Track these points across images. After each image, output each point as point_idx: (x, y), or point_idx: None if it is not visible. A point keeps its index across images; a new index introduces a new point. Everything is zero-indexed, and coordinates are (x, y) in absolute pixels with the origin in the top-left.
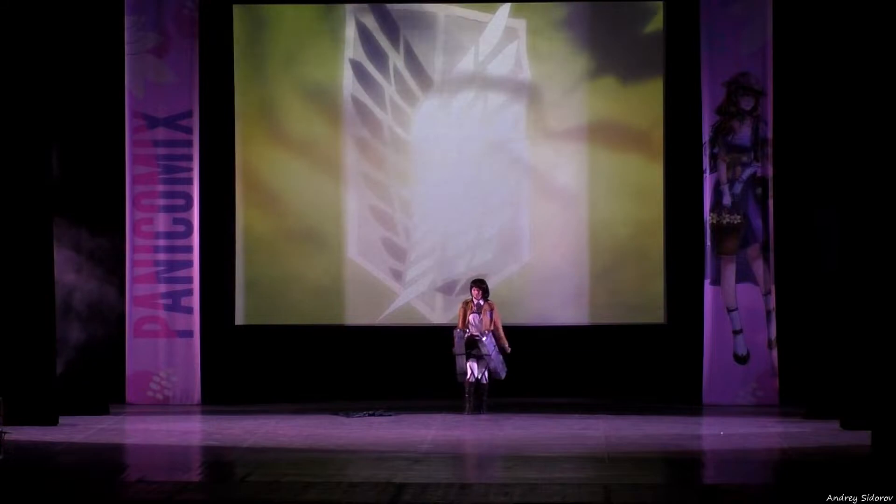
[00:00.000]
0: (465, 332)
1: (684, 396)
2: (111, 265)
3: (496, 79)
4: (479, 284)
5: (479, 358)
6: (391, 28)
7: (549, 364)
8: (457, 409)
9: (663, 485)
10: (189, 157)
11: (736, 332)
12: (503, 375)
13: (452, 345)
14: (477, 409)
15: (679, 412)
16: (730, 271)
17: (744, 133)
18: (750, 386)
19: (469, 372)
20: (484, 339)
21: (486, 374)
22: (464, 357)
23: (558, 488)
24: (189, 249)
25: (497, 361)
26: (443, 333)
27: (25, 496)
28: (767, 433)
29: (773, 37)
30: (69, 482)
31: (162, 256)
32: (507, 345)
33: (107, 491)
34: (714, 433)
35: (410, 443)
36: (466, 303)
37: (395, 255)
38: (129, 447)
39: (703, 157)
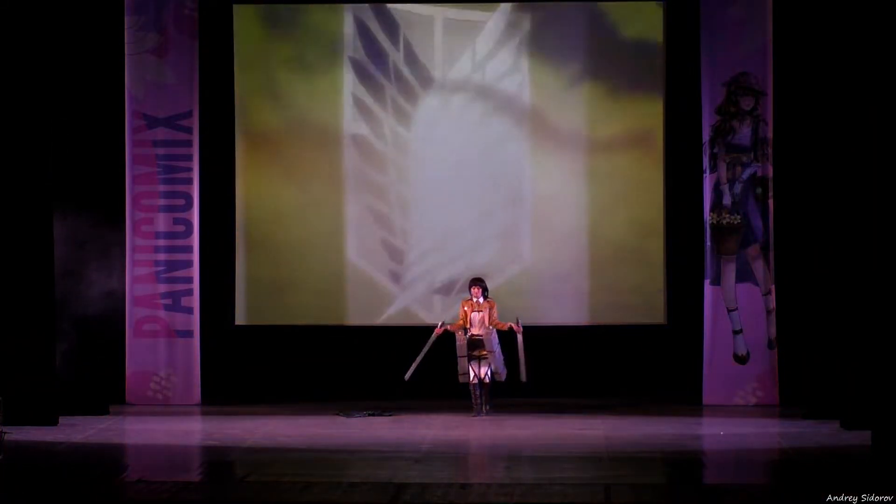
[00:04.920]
0: (467, 332)
1: (684, 396)
2: (111, 265)
3: (496, 78)
4: (479, 283)
5: (482, 358)
6: (391, 27)
7: (549, 364)
8: (457, 409)
9: (663, 485)
10: (189, 157)
11: (736, 332)
12: (504, 376)
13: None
14: (480, 410)
15: (679, 412)
16: (730, 271)
17: (744, 133)
18: (750, 386)
19: (472, 374)
20: (488, 337)
21: (489, 373)
22: (465, 359)
23: (558, 488)
24: (189, 249)
25: (499, 361)
26: (443, 333)
27: (25, 496)
28: (767, 433)
29: (773, 37)
30: (69, 482)
31: (162, 256)
32: (514, 327)
33: (107, 491)
34: (714, 433)
35: (410, 443)
36: (467, 301)
37: (393, 256)
38: (129, 447)
39: (703, 157)
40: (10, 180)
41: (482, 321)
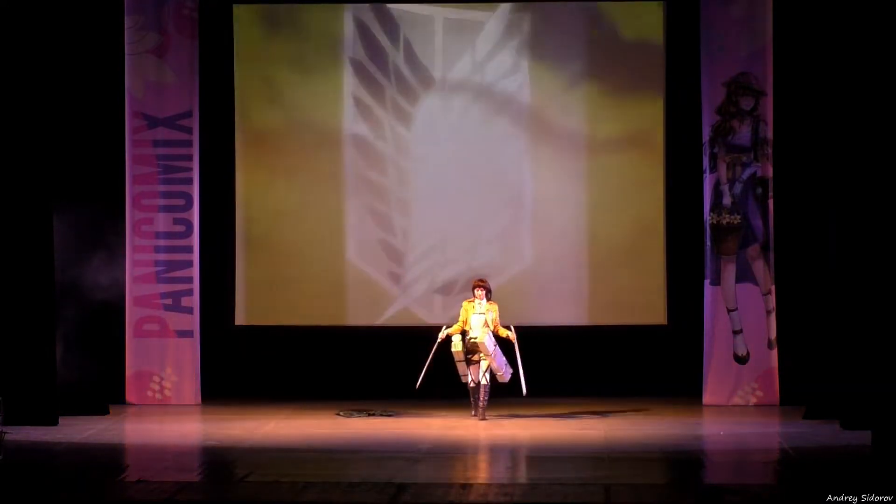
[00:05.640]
0: (465, 335)
1: (684, 396)
2: (111, 265)
3: (496, 78)
4: (482, 285)
5: (479, 362)
6: (391, 28)
7: (549, 364)
8: (457, 409)
9: (663, 485)
10: (189, 157)
11: (736, 332)
12: (507, 377)
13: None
14: (478, 412)
15: (679, 412)
16: (730, 271)
17: (744, 133)
18: (750, 386)
19: (470, 377)
20: (484, 340)
21: (488, 376)
22: (463, 363)
23: (558, 488)
24: (189, 249)
25: (500, 362)
26: (446, 338)
27: (25, 496)
28: (767, 433)
29: (773, 37)
30: (69, 482)
31: (162, 256)
32: (509, 335)
33: (107, 491)
34: (714, 433)
35: (410, 443)
36: (469, 302)
37: (392, 256)
38: (128, 447)
39: (703, 157)
40: (9, 179)
41: (482, 324)
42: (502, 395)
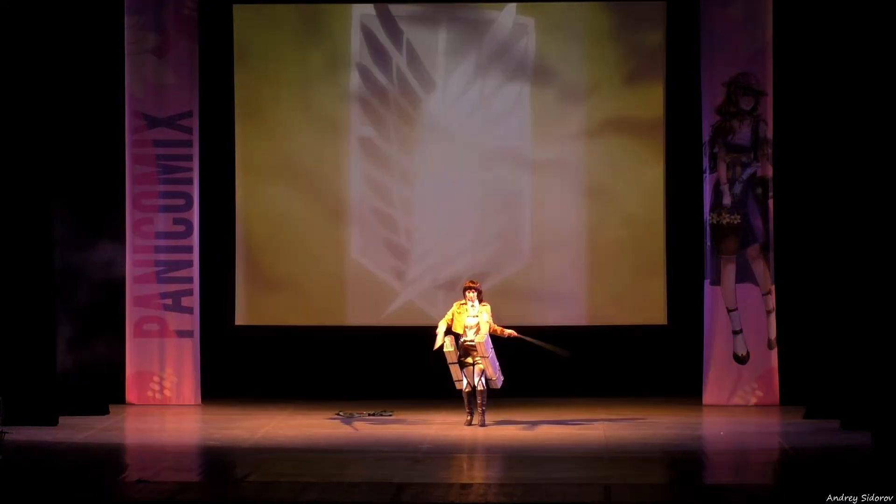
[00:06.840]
0: (459, 338)
1: (684, 396)
2: (111, 265)
3: (498, 79)
4: (473, 287)
5: (475, 365)
6: (394, 28)
7: (549, 364)
8: (456, 410)
9: (663, 485)
10: (189, 157)
11: (736, 332)
12: (499, 384)
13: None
14: (473, 419)
15: (679, 412)
16: (730, 271)
17: (744, 133)
18: (750, 386)
19: (465, 381)
20: (481, 342)
21: (484, 380)
22: (457, 365)
23: (558, 488)
24: (189, 249)
25: (495, 367)
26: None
27: (25, 496)
28: (767, 433)
29: (773, 37)
30: (69, 482)
31: (162, 256)
32: (507, 334)
33: (107, 491)
34: (714, 433)
35: (410, 443)
36: (461, 304)
37: (396, 254)
38: (129, 447)
39: (703, 157)
40: (9, 180)
41: (476, 327)
42: (503, 394)
